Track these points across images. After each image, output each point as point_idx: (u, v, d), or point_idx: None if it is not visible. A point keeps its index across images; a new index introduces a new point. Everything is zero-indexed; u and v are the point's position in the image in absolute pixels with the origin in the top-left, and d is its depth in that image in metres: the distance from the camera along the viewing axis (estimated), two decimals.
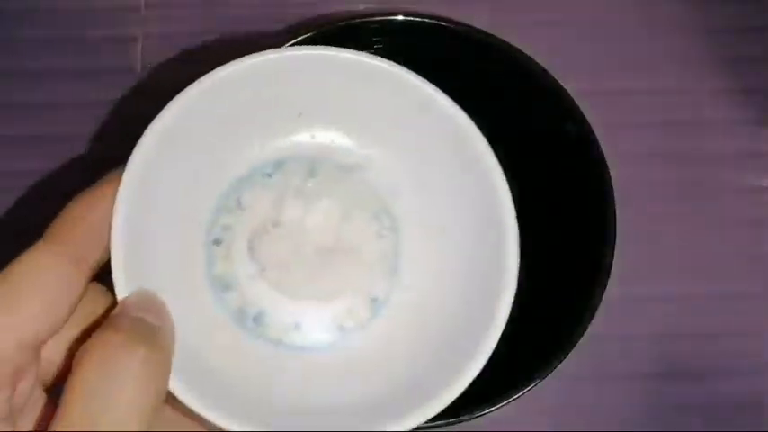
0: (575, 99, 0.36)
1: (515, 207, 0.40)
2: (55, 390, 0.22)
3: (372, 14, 0.37)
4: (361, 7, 0.44)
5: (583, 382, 0.39)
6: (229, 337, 0.24)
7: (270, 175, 0.25)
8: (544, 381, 0.32)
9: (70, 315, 0.20)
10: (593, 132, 0.35)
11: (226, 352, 0.24)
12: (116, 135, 0.42)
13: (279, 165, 0.26)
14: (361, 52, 0.25)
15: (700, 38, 0.45)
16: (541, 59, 0.37)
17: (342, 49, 0.25)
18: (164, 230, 0.23)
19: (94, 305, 0.22)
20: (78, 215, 0.21)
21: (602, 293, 0.33)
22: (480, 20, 0.38)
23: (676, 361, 0.39)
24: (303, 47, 0.25)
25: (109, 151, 0.42)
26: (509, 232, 0.25)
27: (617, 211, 0.34)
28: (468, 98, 0.39)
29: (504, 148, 0.40)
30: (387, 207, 0.26)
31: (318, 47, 0.25)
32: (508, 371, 0.34)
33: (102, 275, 0.22)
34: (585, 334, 0.33)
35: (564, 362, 0.33)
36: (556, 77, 0.36)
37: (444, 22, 0.36)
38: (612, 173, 0.35)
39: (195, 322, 0.23)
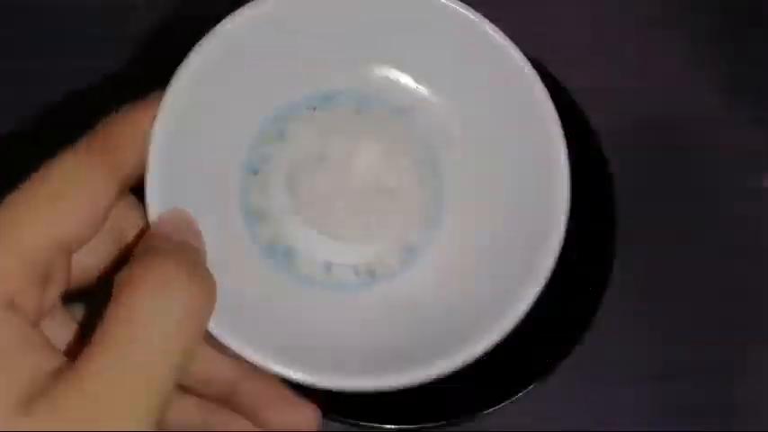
0: (574, 98, 0.36)
1: None
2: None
3: None
4: None
5: (583, 382, 0.39)
6: (258, 270, 0.23)
7: (317, 109, 0.24)
8: (544, 380, 0.32)
9: (103, 224, 0.20)
10: (593, 131, 0.36)
11: (254, 285, 0.23)
12: None
13: (328, 99, 0.24)
14: None
15: (698, 38, 0.45)
16: (539, 56, 0.37)
17: None
18: (202, 154, 0.22)
19: (124, 220, 0.21)
20: (119, 126, 0.20)
21: (603, 294, 0.33)
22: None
23: (676, 361, 0.39)
24: None
25: None
26: (561, 185, 0.24)
27: (616, 211, 0.35)
28: None
29: None
30: (434, 154, 0.25)
31: None
32: (508, 371, 0.35)
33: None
34: (585, 334, 0.33)
35: (564, 362, 0.33)
36: (555, 77, 0.36)
37: None
38: (611, 173, 0.35)
39: (225, 253, 0.22)
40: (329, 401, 0.32)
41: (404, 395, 0.36)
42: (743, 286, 0.41)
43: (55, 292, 0.19)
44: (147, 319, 0.17)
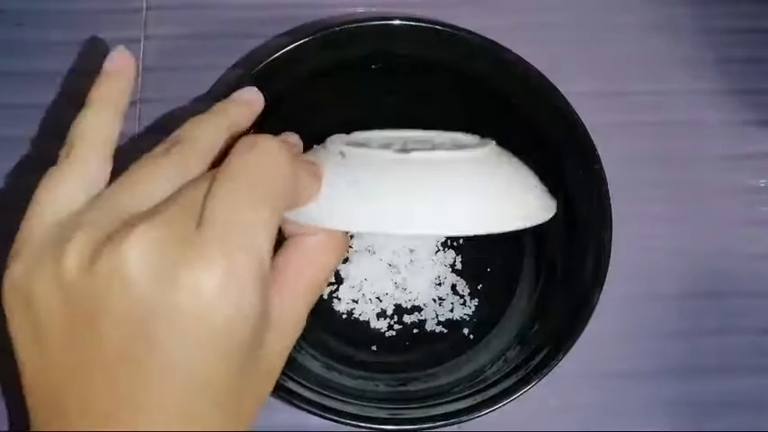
0: (571, 101, 0.36)
1: None
2: None
3: (370, 19, 0.37)
4: (359, 10, 0.45)
5: (582, 382, 0.39)
6: None
7: None
8: (544, 381, 0.32)
9: None
10: (588, 134, 0.36)
11: None
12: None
13: None
14: None
15: (696, 39, 0.45)
16: (539, 60, 0.37)
17: None
18: None
19: None
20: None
21: (599, 293, 0.33)
22: (477, 23, 0.39)
23: (676, 360, 0.40)
24: None
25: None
26: None
27: (614, 211, 0.35)
28: (466, 100, 0.40)
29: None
30: None
31: None
32: (508, 371, 0.35)
33: None
34: (585, 334, 0.33)
35: (563, 361, 0.33)
36: (553, 79, 0.36)
37: (440, 26, 0.37)
38: (610, 173, 0.35)
39: None
40: (329, 403, 0.33)
41: (404, 395, 0.36)
42: (743, 286, 0.41)
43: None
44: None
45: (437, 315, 0.39)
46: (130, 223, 0.21)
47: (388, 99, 0.40)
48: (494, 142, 0.29)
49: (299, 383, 0.34)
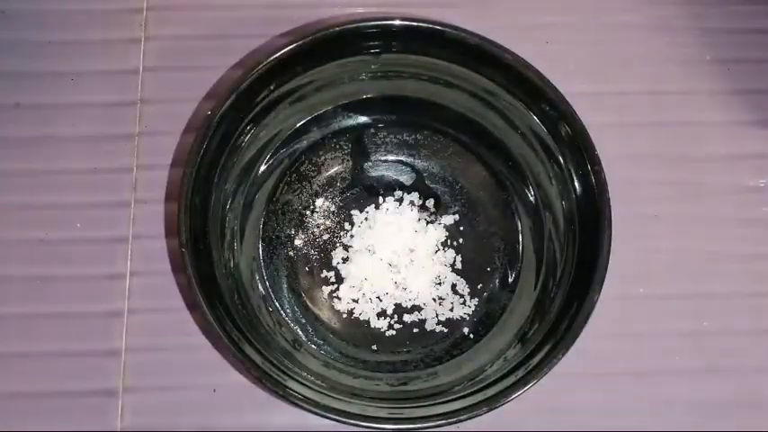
0: (571, 101, 0.36)
1: (512, 208, 0.41)
2: None
3: (370, 19, 0.37)
4: (359, 10, 0.45)
5: (582, 382, 0.39)
6: None
7: None
8: (544, 380, 0.32)
9: None
10: (588, 134, 0.36)
11: None
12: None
13: None
14: None
15: (698, 38, 0.45)
16: (538, 61, 0.37)
17: None
18: None
19: None
20: None
21: (599, 293, 0.33)
22: (478, 23, 0.39)
23: (676, 360, 0.40)
24: None
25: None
26: None
27: (615, 212, 0.35)
28: (466, 101, 0.40)
29: (500, 150, 0.40)
30: None
31: None
32: (508, 371, 0.35)
33: None
34: (584, 334, 0.33)
35: (563, 361, 0.33)
36: (553, 79, 0.36)
37: (440, 26, 0.37)
38: (610, 173, 0.35)
39: None
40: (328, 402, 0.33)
41: (404, 394, 0.36)
42: (740, 286, 0.41)
43: None
44: None
45: (437, 314, 0.39)
46: None
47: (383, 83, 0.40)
48: None
49: (299, 383, 0.34)
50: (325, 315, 0.39)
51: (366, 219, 0.41)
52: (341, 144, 0.42)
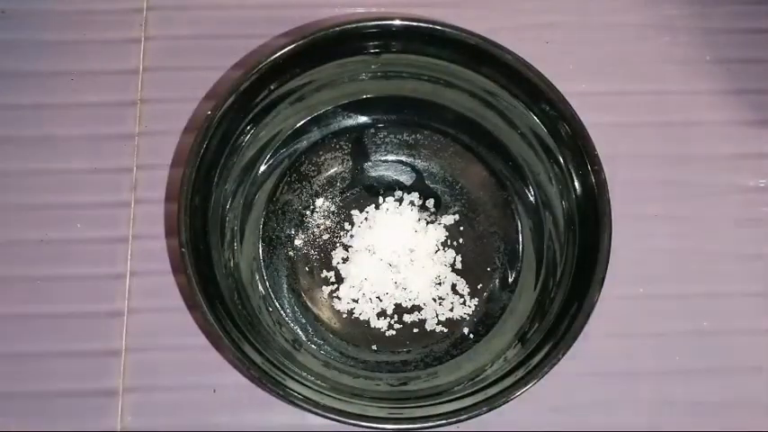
0: (571, 101, 0.36)
1: (512, 208, 0.41)
2: None
3: (370, 19, 0.37)
4: (359, 10, 0.45)
5: (583, 382, 0.39)
6: None
7: None
8: (544, 380, 0.32)
9: None
10: (588, 134, 0.36)
11: None
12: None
13: None
14: None
15: (697, 39, 0.45)
16: (538, 61, 0.37)
17: None
18: None
19: None
20: None
21: (599, 293, 0.33)
22: (478, 24, 0.39)
23: (676, 360, 0.40)
24: None
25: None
26: None
27: (615, 212, 0.35)
28: (466, 101, 0.40)
29: (500, 150, 0.40)
30: None
31: None
32: (508, 370, 0.35)
33: None
34: (584, 334, 0.33)
35: (563, 361, 0.33)
36: (553, 79, 0.36)
37: (440, 26, 0.37)
38: (610, 173, 0.35)
39: None
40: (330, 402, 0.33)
41: (404, 394, 0.36)
42: (740, 286, 0.41)
43: None
44: None
45: (437, 314, 0.39)
46: None
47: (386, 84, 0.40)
48: None
49: (299, 383, 0.34)
50: (325, 315, 0.39)
51: (366, 219, 0.41)
52: (341, 144, 0.42)
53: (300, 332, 0.39)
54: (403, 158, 0.42)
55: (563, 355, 0.33)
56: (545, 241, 0.38)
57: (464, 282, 0.40)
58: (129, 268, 0.40)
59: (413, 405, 0.34)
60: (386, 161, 0.42)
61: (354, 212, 0.41)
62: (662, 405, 0.39)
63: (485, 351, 0.37)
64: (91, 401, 0.38)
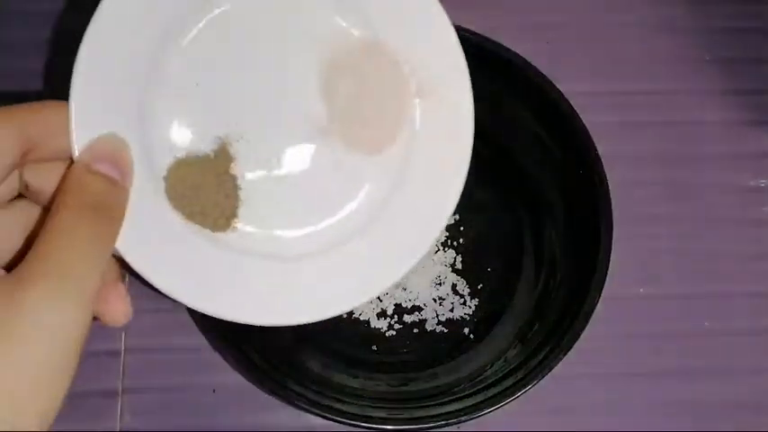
0: (571, 101, 0.36)
1: (512, 209, 0.41)
2: None
3: None
4: None
5: (583, 382, 0.39)
6: None
7: None
8: (544, 381, 0.32)
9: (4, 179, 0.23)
10: (588, 134, 0.36)
11: None
12: None
13: None
14: None
15: (697, 39, 0.45)
16: (539, 61, 0.37)
17: None
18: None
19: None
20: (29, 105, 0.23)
21: (600, 293, 0.33)
22: (478, 23, 0.38)
23: (676, 360, 0.40)
24: None
25: None
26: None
27: (615, 212, 0.35)
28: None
29: (500, 151, 0.40)
30: None
31: None
32: (508, 371, 0.35)
33: None
34: (585, 334, 0.33)
35: (563, 362, 0.33)
36: (553, 78, 0.36)
37: None
38: (611, 173, 0.35)
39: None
40: (331, 402, 0.33)
41: (404, 395, 0.36)
42: (741, 286, 0.41)
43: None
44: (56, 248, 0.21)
45: (437, 315, 0.39)
46: None
47: None
48: None
49: (299, 383, 0.34)
50: None
51: None
52: None
53: (300, 332, 0.38)
54: None
55: (563, 355, 0.33)
56: (545, 241, 0.38)
57: (464, 282, 0.40)
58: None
59: (413, 406, 0.34)
60: None
61: None
62: (662, 405, 0.39)
63: (485, 352, 0.37)
64: (91, 401, 0.37)
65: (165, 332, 0.39)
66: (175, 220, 0.26)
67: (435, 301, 0.40)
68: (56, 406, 0.20)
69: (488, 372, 0.36)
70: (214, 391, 0.38)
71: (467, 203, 0.41)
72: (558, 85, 0.36)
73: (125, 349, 0.38)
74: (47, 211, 0.23)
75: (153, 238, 0.25)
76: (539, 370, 0.33)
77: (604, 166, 0.35)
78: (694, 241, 0.41)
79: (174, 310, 0.39)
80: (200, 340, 0.38)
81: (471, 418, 0.32)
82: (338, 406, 0.32)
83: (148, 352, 0.38)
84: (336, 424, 0.32)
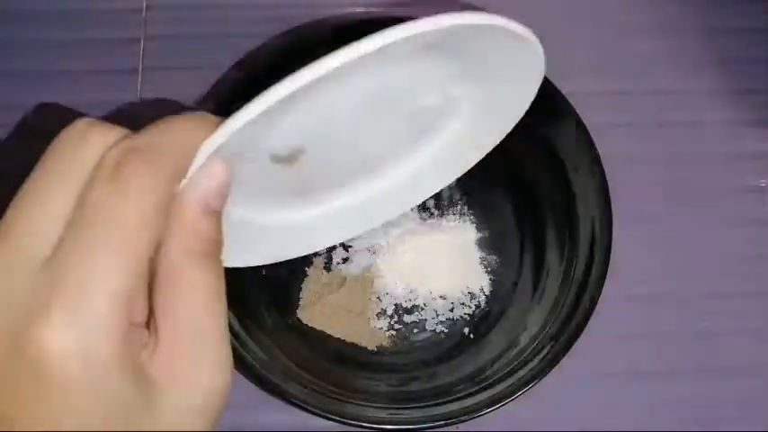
0: (572, 101, 0.36)
1: (512, 209, 0.41)
2: None
3: (370, 19, 0.37)
4: (359, 10, 0.45)
5: (583, 382, 0.39)
6: None
7: None
8: (544, 381, 0.32)
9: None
10: (588, 134, 0.36)
11: None
12: None
13: None
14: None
15: (698, 38, 0.45)
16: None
17: None
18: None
19: None
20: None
21: (600, 293, 0.33)
22: None
23: (676, 360, 0.40)
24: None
25: None
26: None
27: (614, 211, 0.35)
28: None
29: (500, 150, 0.40)
30: None
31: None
32: (508, 371, 0.35)
33: None
34: (585, 334, 0.33)
35: (563, 361, 0.33)
36: (553, 79, 0.36)
37: None
38: (610, 173, 0.35)
39: None
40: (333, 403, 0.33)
41: (404, 395, 0.36)
42: (742, 286, 0.41)
43: None
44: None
45: (437, 314, 0.39)
46: None
47: None
48: None
49: (299, 383, 0.34)
50: None
51: None
52: None
53: (300, 331, 0.38)
54: None
55: (563, 355, 0.33)
56: (545, 242, 0.38)
57: (464, 282, 0.40)
58: None
59: (413, 406, 0.34)
60: None
61: None
62: (662, 405, 0.39)
63: (485, 351, 0.37)
64: None
65: None
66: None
67: (435, 300, 0.40)
68: None
69: (489, 371, 0.36)
70: None
71: (467, 204, 0.41)
72: (557, 86, 0.36)
73: None
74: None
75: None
76: (538, 370, 0.33)
77: (604, 166, 0.35)
78: (694, 241, 0.41)
79: None
80: None
81: (471, 418, 0.32)
82: (338, 406, 0.32)
83: None
84: (336, 424, 0.32)
